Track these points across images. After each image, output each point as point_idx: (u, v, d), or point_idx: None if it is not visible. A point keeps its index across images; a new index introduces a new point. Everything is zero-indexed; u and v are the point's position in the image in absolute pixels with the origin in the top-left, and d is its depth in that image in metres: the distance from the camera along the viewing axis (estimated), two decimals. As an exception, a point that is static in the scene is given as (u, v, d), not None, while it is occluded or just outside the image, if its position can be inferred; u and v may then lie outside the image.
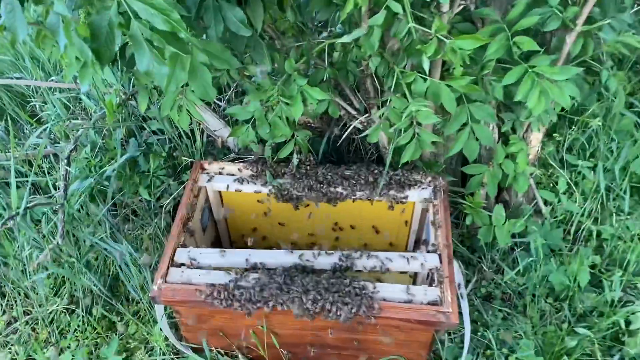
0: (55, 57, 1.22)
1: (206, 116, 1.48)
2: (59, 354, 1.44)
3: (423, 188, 1.39)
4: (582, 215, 1.65)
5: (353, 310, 1.14)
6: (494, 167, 1.54)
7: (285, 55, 1.22)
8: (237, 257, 1.26)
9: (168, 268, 1.23)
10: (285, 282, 1.18)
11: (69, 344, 1.48)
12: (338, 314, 1.14)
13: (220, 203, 1.48)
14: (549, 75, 1.12)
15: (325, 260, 1.25)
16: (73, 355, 1.41)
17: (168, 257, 1.25)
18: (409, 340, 1.27)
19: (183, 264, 1.25)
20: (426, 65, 1.12)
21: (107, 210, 1.39)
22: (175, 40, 0.77)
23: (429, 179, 1.41)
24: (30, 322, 1.53)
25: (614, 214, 1.66)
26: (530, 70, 1.13)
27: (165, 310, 1.44)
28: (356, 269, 1.25)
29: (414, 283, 1.46)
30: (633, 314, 1.40)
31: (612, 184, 1.71)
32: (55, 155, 1.65)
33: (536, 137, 1.59)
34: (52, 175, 1.62)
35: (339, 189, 1.37)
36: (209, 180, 1.40)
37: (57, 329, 1.51)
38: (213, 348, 1.37)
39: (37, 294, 1.54)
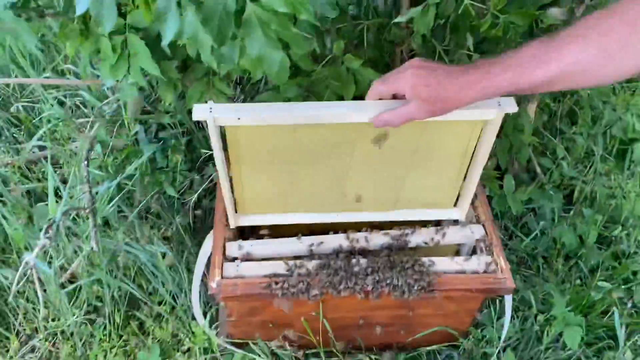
0: (82, 51, 1.12)
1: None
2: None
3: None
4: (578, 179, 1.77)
5: (417, 286, 1.16)
6: (502, 139, 1.62)
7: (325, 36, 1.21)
8: (291, 245, 1.24)
9: (222, 263, 1.19)
10: (346, 265, 1.18)
11: (96, 355, 1.40)
12: (403, 290, 1.16)
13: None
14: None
15: (377, 241, 1.26)
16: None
17: (220, 252, 1.20)
18: (458, 310, 1.32)
19: (236, 258, 1.21)
20: (470, 42, 1.16)
21: (136, 211, 1.31)
22: (292, 23, 0.75)
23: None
24: (49, 338, 1.43)
25: (603, 175, 1.79)
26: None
27: (204, 307, 1.40)
28: (410, 246, 1.27)
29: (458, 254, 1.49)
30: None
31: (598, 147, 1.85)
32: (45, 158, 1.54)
33: (532, 108, 1.69)
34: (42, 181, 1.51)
35: None
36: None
37: (80, 342, 1.42)
38: (260, 341, 1.34)
39: (48, 307, 1.44)
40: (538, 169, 1.81)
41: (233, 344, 1.35)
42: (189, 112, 1.02)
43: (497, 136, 1.58)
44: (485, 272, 1.21)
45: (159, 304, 1.43)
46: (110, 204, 1.26)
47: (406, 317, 1.32)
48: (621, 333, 1.37)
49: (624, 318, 1.42)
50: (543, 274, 1.61)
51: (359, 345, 1.40)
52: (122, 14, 1.07)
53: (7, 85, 1.57)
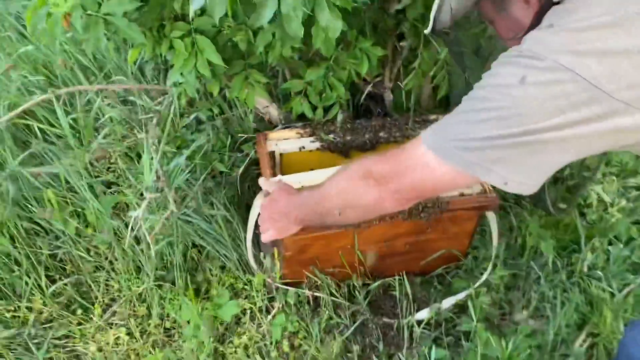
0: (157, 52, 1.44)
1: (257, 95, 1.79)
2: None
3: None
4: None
5: (433, 209, 1.51)
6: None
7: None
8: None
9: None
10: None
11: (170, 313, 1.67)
12: (427, 213, 1.51)
13: (280, 165, 1.78)
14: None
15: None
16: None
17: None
18: (459, 232, 1.67)
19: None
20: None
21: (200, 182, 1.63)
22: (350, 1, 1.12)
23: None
24: (126, 304, 1.70)
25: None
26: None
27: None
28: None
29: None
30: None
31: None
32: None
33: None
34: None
35: (381, 134, 1.74)
36: (276, 145, 1.70)
37: (157, 303, 1.69)
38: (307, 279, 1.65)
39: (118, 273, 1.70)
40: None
41: (285, 283, 1.66)
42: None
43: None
44: (478, 193, 1.59)
45: (220, 263, 1.73)
46: (182, 176, 1.57)
47: (418, 242, 1.65)
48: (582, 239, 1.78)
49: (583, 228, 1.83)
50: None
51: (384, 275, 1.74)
52: (187, 22, 1.43)
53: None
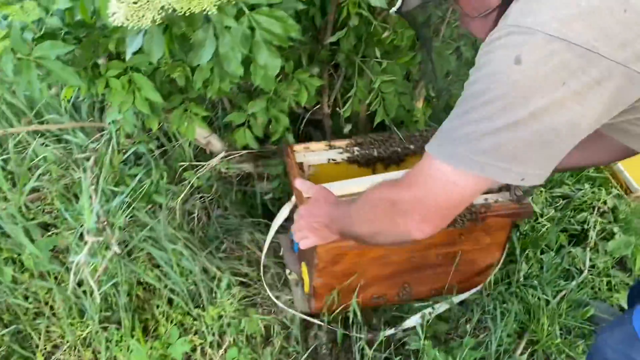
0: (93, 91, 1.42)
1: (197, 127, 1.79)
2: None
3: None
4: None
5: (468, 217, 1.48)
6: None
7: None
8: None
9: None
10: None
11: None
12: (462, 222, 1.47)
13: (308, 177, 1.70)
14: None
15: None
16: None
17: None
18: (491, 243, 1.62)
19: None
20: (378, 53, 1.63)
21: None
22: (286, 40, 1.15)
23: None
24: (71, 351, 1.63)
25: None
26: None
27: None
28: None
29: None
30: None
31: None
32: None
33: (419, 103, 2.21)
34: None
35: (411, 147, 1.70)
36: (304, 157, 1.63)
37: (104, 346, 1.64)
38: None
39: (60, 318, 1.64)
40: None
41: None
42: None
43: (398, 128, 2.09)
44: (511, 201, 1.55)
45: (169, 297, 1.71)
46: (123, 214, 1.54)
47: (450, 254, 1.61)
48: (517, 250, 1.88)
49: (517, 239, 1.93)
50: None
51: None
52: (122, 60, 1.41)
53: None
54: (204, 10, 0.98)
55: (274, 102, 1.61)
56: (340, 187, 1.46)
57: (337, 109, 1.83)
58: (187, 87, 1.56)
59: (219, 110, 1.83)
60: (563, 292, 1.80)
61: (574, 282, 1.84)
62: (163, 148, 1.78)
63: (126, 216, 1.61)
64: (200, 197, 1.82)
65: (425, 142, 1.62)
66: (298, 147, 1.65)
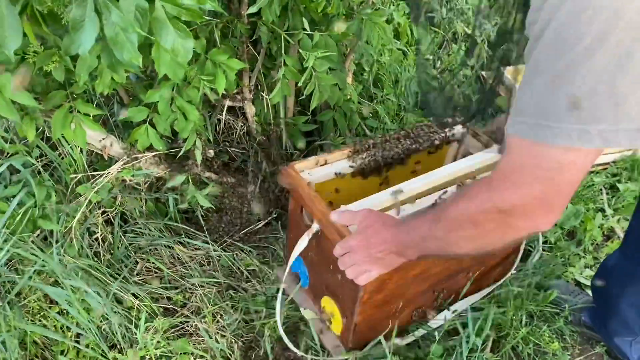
0: None
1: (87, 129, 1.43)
2: None
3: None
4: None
5: None
6: (337, 110, 1.87)
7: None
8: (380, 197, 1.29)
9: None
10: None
11: None
12: None
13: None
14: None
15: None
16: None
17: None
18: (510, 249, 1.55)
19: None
20: (306, 24, 1.36)
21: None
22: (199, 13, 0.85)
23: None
24: None
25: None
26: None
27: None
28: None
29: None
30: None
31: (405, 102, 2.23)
32: None
33: (349, 79, 1.98)
34: None
35: (413, 146, 1.48)
36: (309, 174, 1.36)
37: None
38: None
39: None
40: (366, 130, 2.11)
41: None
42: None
43: (333, 109, 1.85)
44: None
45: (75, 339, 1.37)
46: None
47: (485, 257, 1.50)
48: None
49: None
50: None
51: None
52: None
53: None
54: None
55: (180, 91, 1.29)
56: (360, 207, 1.23)
57: (262, 93, 1.54)
58: (70, 81, 1.21)
59: (114, 104, 1.48)
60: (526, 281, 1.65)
61: (532, 262, 1.72)
62: (46, 159, 1.41)
63: (6, 252, 1.25)
64: (103, 213, 1.49)
65: (418, 137, 1.48)
66: (300, 165, 1.37)
